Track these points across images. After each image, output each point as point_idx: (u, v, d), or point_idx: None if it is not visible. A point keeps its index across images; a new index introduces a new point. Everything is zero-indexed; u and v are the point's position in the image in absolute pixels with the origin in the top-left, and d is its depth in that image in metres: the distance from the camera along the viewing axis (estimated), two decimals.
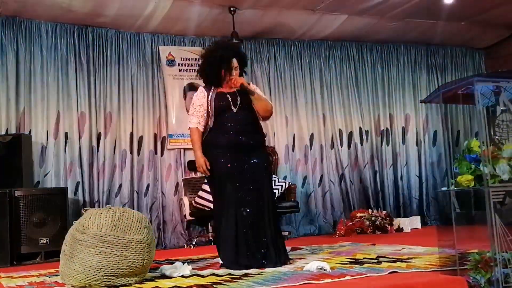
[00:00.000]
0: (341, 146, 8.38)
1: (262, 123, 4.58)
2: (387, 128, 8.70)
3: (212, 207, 6.97)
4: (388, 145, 8.67)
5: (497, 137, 3.33)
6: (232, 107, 4.36)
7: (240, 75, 4.52)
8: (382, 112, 8.71)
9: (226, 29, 7.33)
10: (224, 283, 3.46)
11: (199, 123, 4.41)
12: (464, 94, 3.41)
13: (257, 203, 4.26)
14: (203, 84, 4.57)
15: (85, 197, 6.91)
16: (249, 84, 4.48)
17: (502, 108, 3.34)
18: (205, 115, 4.39)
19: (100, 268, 3.53)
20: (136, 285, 3.59)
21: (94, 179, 7.05)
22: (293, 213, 7.58)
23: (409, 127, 8.83)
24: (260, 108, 4.42)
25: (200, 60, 4.62)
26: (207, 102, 4.38)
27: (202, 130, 4.43)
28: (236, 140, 4.30)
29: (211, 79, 4.46)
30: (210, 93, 4.41)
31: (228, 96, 4.39)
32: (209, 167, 4.32)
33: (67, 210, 6.15)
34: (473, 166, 3.19)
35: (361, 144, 8.49)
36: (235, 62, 4.43)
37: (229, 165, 4.28)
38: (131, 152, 7.30)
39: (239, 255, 4.15)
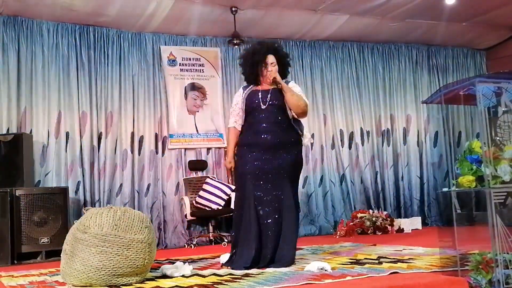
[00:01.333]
0: (342, 147, 8.38)
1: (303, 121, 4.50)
2: (388, 129, 8.70)
3: (212, 207, 7.03)
4: (389, 145, 8.66)
5: (498, 138, 3.32)
6: (261, 104, 4.34)
7: (283, 74, 4.46)
8: (383, 112, 8.71)
9: (228, 29, 7.33)
10: (225, 283, 3.46)
11: (235, 121, 4.45)
12: (465, 95, 3.40)
13: (275, 204, 4.24)
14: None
15: (86, 196, 6.91)
16: (287, 82, 4.44)
17: (503, 109, 3.33)
18: (241, 113, 4.42)
19: (101, 268, 3.54)
20: (137, 284, 3.59)
21: (95, 178, 7.05)
22: None
23: (410, 127, 8.82)
24: (292, 104, 4.32)
25: (238, 63, 4.65)
26: (241, 101, 4.41)
27: (239, 129, 4.45)
28: (261, 139, 4.29)
29: (248, 76, 4.47)
30: (245, 92, 4.44)
31: (260, 93, 4.38)
32: (232, 169, 4.40)
33: (67, 209, 6.16)
34: (474, 167, 3.19)
35: (362, 144, 8.49)
36: (270, 58, 4.38)
37: (252, 164, 4.28)
38: (132, 151, 7.30)
39: (249, 251, 4.14)
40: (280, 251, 4.18)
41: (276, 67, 4.39)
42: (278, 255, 4.17)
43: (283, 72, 4.48)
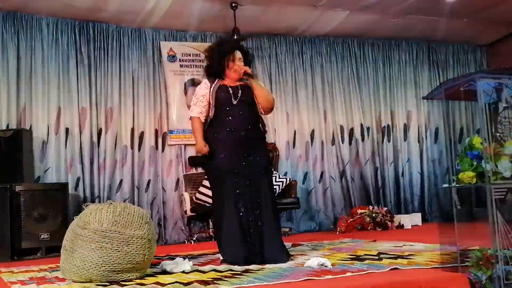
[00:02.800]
0: (342, 143, 8.38)
1: (264, 117, 4.54)
2: (388, 125, 8.70)
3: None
4: (389, 141, 8.66)
5: (499, 134, 3.32)
6: (232, 99, 4.33)
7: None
8: (383, 108, 8.70)
9: (228, 25, 7.31)
10: (225, 279, 3.45)
11: (200, 113, 4.40)
12: (466, 91, 3.40)
13: (255, 200, 4.24)
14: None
15: (85, 192, 6.92)
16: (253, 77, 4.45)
17: (504, 105, 3.33)
18: (207, 106, 4.38)
19: (101, 264, 3.53)
20: (137, 280, 3.58)
21: (95, 174, 7.05)
22: (294, 210, 7.58)
23: (410, 123, 8.82)
24: (262, 98, 4.35)
25: (204, 55, 4.62)
26: (209, 94, 4.37)
27: (203, 121, 4.42)
28: (235, 135, 4.27)
29: (214, 71, 4.44)
30: (213, 85, 4.40)
31: (230, 89, 4.36)
32: (208, 152, 4.31)
33: (67, 205, 6.15)
34: (475, 163, 3.18)
35: (362, 140, 8.48)
36: (238, 53, 4.40)
37: (228, 161, 4.26)
38: (132, 147, 7.30)
39: (238, 250, 4.14)
40: (270, 250, 4.16)
41: (242, 63, 4.41)
42: (269, 254, 4.14)
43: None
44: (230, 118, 4.31)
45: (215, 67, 4.43)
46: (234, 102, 4.33)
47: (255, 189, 4.26)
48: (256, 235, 4.19)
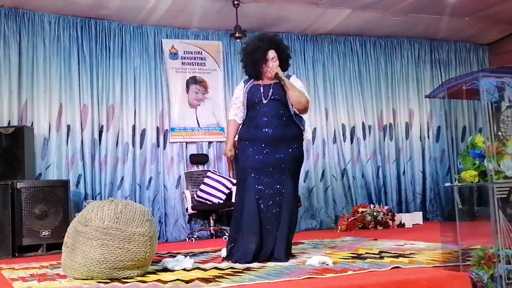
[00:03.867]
0: (344, 141, 8.37)
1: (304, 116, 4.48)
2: (390, 123, 8.69)
3: (213, 201, 7.03)
4: (391, 140, 8.65)
5: (501, 133, 3.31)
6: (263, 98, 4.33)
7: (284, 68, 4.44)
8: (385, 107, 8.69)
9: (230, 22, 7.30)
10: (227, 276, 3.46)
11: (236, 115, 4.46)
12: (468, 90, 3.39)
13: (276, 198, 4.24)
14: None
15: (87, 189, 6.91)
16: (289, 77, 4.43)
17: (507, 104, 3.32)
18: (242, 107, 4.41)
19: (102, 261, 3.53)
20: (138, 278, 3.59)
21: (96, 171, 7.05)
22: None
23: (412, 122, 8.81)
24: (293, 99, 4.30)
25: (240, 58, 4.62)
26: (243, 95, 4.40)
27: (240, 122, 4.46)
28: (262, 133, 4.28)
29: (250, 72, 4.45)
30: (247, 85, 4.42)
31: (261, 88, 4.36)
32: (231, 157, 4.41)
33: (68, 202, 6.15)
34: (477, 162, 3.18)
35: (364, 139, 8.48)
36: (271, 53, 4.35)
37: (253, 157, 4.28)
38: (133, 145, 7.29)
39: (249, 246, 4.13)
40: (278, 245, 4.17)
41: (277, 62, 4.37)
42: (277, 249, 4.16)
43: (284, 65, 4.46)
44: (259, 116, 4.32)
45: (250, 70, 4.43)
46: (264, 101, 4.32)
47: (278, 187, 4.26)
48: (272, 233, 4.19)
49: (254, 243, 4.13)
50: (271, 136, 4.27)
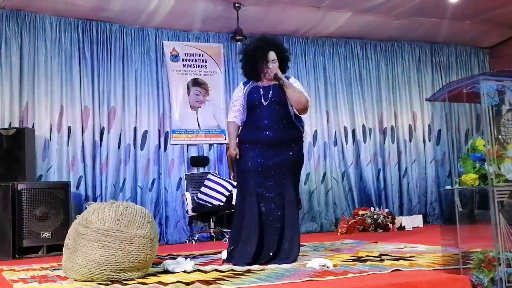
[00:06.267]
0: (346, 144, 8.37)
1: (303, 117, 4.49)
2: (391, 126, 8.69)
3: (213, 203, 7.03)
4: (391, 143, 8.65)
5: (502, 136, 3.32)
6: (262, 100, 4.33)
7: (283, 69, 4.44)
8: (386, 110, 8.70)
9: (231, 25, 7.32)
10: (227, 279, 3.46)
11: (235, 117, 4.45)
12: (469, 93, 3.40)
13: (277, 201, 4.24)
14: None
15: (87, 191, 6.92)
16: (288, 78, 4.42)
17: (507, 108, 3.33)
18: (241, 109, 4.41)
19: (103, 263, 3.53)
20: (138, 279, 3.59)
21: (97, 173, 7.06)
22: None
23: (413, 125, 8.82)
24: (293, 100, 4.31)
25: (239, 59, 4.62)
26: (242, 96, 4.40)
27: (239, 124, 4.45)
28: (263, 135, 4.28)
29: (249, 73, 4.46)
30: (246, 87, 4.42)
31: (261, 90, 4.37)
32: (236, 156, 4.38)
33: (69, 204, 6.15)
34: (477, 165, 3.18)
35: (364, 141, 8.48)
36: (272, 54, 4.36)
37: (254, 160, 4.28)
38: (135, 147, 7.30)
39: (249, 248, 4.13)
40: (283, 248, 4.18)
41: (277, 63, 4.38)
42: (281, 252, 4.17)
43: (283, 67, 4.47)
44: (259, 118, 4.31)
45: (249, 71, 4.44)
46: (264, 103, 4.32)
47: (279, 190, 4.26)
48: (274, 236, 4.18)
49: (254, 245, 4.12)
50: (272, 139, 4.27)
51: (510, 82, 3.26)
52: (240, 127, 4.46)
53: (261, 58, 4.35)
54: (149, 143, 7.38)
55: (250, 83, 4.45)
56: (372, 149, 8.53)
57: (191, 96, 7.65)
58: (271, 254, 4.14)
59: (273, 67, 4.35)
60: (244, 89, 4.44)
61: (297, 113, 4.38)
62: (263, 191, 4.24)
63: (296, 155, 4.38)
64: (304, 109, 4.39)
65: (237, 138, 4.47)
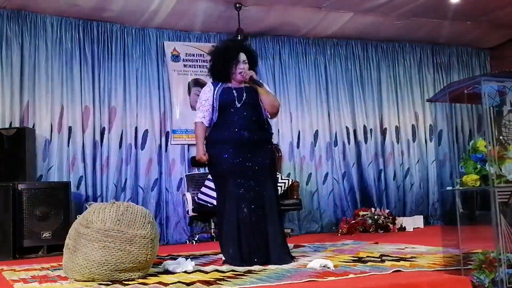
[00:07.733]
0: (347, 144, 8.37)
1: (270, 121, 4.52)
2: (392, 127, 8.68)
3: (214, 203, 7.01)
4: (392, 143, 8.64)
5: (503, 137, 3.32)
6: (236, 102, 4.31)
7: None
8: (387, 110, 8.69)
9: (232, 25, 7.32)
10: (228, 279, 3.46)
11: (203, 117, 4.39)
12: (470, 94, 3.40)
13: (258, 201, 4.23)
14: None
15: (88, 191, 6.91)
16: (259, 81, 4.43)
17: (508, 108, 3.33)
18: (211, 110, 4.36)
19: (104, 263, 3.53)
20: (139, 280, 3.59)
21: (97, 173, 7.05)
22: (296, 211, 7.57)
23: (414, 126, 8.81)
24: (267, 103, 4.34)
25: (209, 57, 4.60)
26: (213, 97, 4.35)
27: (207, 125, 4.40)
28: (239, 136, 4.26)
29: (219, 73, 4.42)
30: (217, 88, 4.38)
31: (234, 91, 4.35)
32: (207, 161, 4.34)
33: (69, 204, 6.13)
34: (479, 166, 3.18)
35: (365, 142, 8.48)
36: (242, 56, 4.37)
37: (231, 161, 4.25)
38: (135, 147, 7.30)
39: (240, 251, 4.13)
40: (275, 252, 4.16)
41: (247, 65, 4.38)
42: (274, 255, 4.15)
43: (254, 70, 4.47)
44: (233, 119, 4.29)
45: (219, 71, 4.41)
46: (238, 105, 4.31)
47: (259, 190, 4.25)
48: (260, 236, 4.18)
49: (241, 249, 4.12)
50: (248, 139, 4.27)
51: (511, 83, 3.26)
52: (209, 128, 4.40)
53: (232, 59, 4.35)
54: (149, 143, 7.37)
55: (220, 84, 4.41)
56: (373, 150, 8.53)
57: (191, 96, 7.64)
58: (260, 254, 4.12)
59: (245, 67, 4.36)
60: (214, 89, 4.38)
61: (269, 116, 4.42)
62: (243, 192, 4.22)
63: (271, 155, 4.49)
64: (276, 113, 4.48)
65: (205, 141, 4.42)
